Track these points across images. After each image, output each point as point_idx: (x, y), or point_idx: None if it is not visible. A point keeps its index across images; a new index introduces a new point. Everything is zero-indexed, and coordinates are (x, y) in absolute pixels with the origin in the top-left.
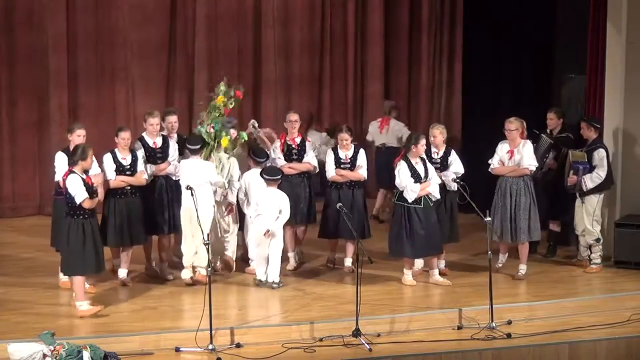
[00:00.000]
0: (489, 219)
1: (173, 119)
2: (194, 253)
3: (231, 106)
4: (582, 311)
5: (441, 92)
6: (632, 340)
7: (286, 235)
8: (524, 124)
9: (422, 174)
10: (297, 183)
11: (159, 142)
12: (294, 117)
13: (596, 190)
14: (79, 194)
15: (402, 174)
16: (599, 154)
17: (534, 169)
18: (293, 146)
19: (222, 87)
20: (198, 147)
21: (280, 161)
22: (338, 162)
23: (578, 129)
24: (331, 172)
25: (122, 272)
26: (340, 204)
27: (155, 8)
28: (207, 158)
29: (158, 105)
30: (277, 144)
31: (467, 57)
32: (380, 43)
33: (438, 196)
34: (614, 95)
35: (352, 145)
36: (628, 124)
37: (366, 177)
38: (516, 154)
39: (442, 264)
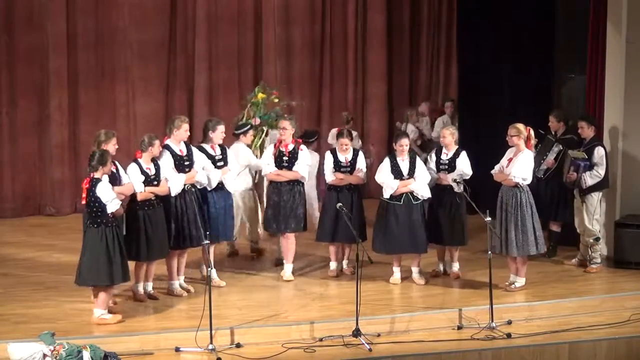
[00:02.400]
0: (489, 219)
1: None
2: (247, 230)
3: (276, 100)
4: (582, 311)
5: (442, 92)
6: (632, 340)
7: (282, 244)
8: (531, 131)
9: (406, 172)
10: (286, 191)
11: (184, 149)
12: (282, 124)
13: (595, 188)
14: (114, 202)
15: (381, 170)
16: (599, 152)
17: (520, 181)
18: (284, 153)
19: (258, 89)
20: (243, 130)
21: (270, 167)
22: (338, 166)
23: (577, 128)
24: (330, 175)
25: (150, 286)
26: (340, 204)
27: (155, 8)
28: (257, 144)
29: (158, 106)
30: (271, 148)
31: (467, 57)
32: (381, 43)
33: (425, 195)
34: (614, 95)
35: (351, 148)
36: (628, 123)
37: (365, 180)
38: (511, 163)
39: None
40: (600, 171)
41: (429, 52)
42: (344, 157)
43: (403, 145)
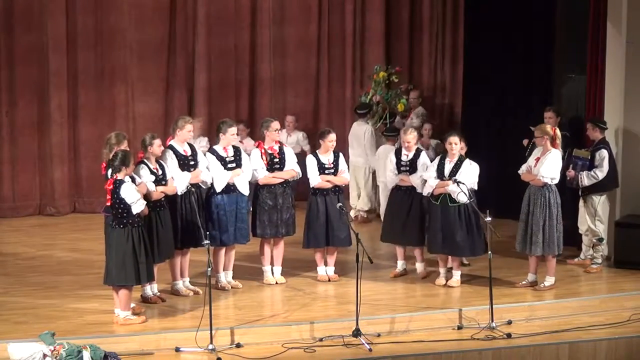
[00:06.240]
0: (489, 218)
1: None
2: (357, 197)
3: (396, 80)
4: (582, 311)
5: (443, 93)
6: (632, 340)
7: (266, 250)
8: (557, 131)
9: (406, 168)
10: (280, 193)
11: (188, 149)
12: (278, 124)
13: (597, 190)
14: (139, 202)
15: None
16: (601, 155)
17: (548, 181)
18: (274, 155)
19: (379, 67)
20: (364, 111)
21: (262, 172)
22: (322, 168)
23: (576, 127)
24: (316, 178)
25: (155, 288)
26: (340, 204)
27: (155, 8)
28: (377, 122)
29: (157, 106)
30: (258, 153)
31: (467, 58)
32: (379, 43)
33: (419, 190)
34: (614, 95)
35: (332, 151)
36: (628, 124)
37: (349, 181)
38: (539, 163)
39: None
40: (598, 173)
41: (432, 53)
42: (327, 158)
43: (452, 144)
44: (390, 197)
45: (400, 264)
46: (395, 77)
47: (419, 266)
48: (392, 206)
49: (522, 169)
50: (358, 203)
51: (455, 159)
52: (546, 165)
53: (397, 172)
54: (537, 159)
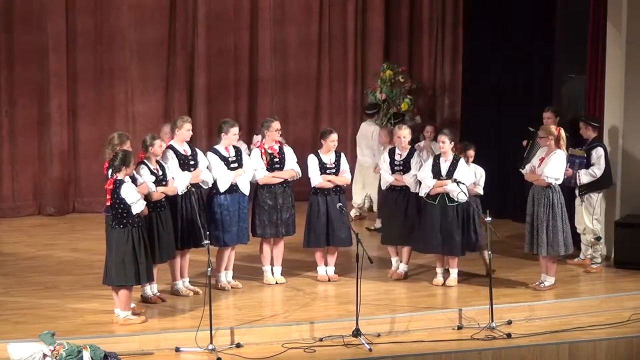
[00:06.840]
0: (489, 218)
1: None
2: (363, 198)
3: (402, 80)
4: (582, 311)
5: (443, 93)
6: (632, 340)
7: (266, 250)
8: (562, 131)
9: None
10: (280, 193)
11: (187, 149)
12: (278, 124)
13: (595, 188)
14: (139, 202)
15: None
16: (597, 153)
17: (552, 181)
18: (274, 155)
19: (385, 65)
20: (373, 112)
21: (262, 171)
22: (323, 168)
23: (576, 127)
24: (317, 178)
25: (155, 288)
26: (340, 204)
27: (155, 8)
28: (383, 121)
29: (157, 106)
30: (258, 153)
31: (467, 58)
32: (379, 43)
33: (413, 190)
34: (614, 95)
35: (334, 151)
36: (628, 123)
37: (350, 181)
38: (543, 163)
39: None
40: (596, 171)
41: (432, 53)
42: (328, 158)
43: (439, 142)
44: (386, 198)
45: (397, 262)
46: (401, 76)
47: (402, 267)
48: (389, 207)
49: (526, 169)
50: (374, 205)
51: (451, 158)
52: (550, 166)
53: (390, 172)
54: (542, 159)
